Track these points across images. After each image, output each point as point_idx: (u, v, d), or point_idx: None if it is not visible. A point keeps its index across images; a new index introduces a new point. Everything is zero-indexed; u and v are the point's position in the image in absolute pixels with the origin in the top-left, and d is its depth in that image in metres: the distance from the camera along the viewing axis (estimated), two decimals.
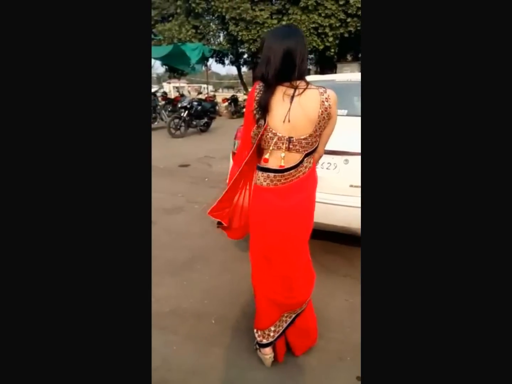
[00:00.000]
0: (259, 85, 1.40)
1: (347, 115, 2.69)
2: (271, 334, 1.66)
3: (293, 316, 1.68)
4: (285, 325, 1.68)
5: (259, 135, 1.42)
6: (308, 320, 1.74)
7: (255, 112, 1.40)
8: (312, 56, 16.48)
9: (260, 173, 1.49)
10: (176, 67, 14.18)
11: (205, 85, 19.91)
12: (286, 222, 1.49)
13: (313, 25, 12.67)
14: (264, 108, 1.36)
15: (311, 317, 1.76)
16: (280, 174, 1.44)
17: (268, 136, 1.41)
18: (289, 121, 1.36)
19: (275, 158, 1.44)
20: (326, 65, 15.56)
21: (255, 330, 1.72)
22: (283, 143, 1.40)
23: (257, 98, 1.39)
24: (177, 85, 21.93)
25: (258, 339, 1.69)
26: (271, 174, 1.45)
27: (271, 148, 1.42)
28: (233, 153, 2.93)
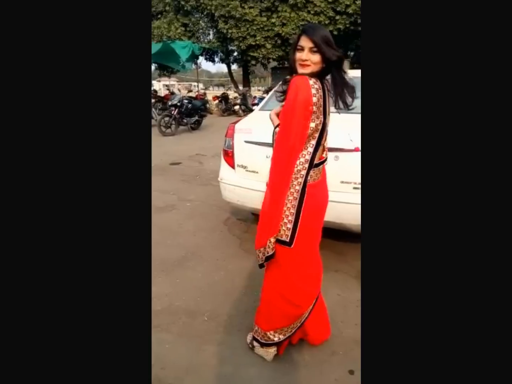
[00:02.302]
0: (311, 80, 1.37)
1: (337, 112, 2.71)
2: (289, 330, 1.67)
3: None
4: (303, 319, 1.68)
5: (320, 132, 1.43)
6: (320, 311, 1.77)
7: (315, 108, 1.38)
8: None
9: (312, 170, 1.48)
10: (166, 64, 14.09)
11: (195, 83, 19.83)
12: (324, 212, 1.62)
13: (302, 23, 12.67)
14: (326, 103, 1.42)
15: (322, 308, 1.80)
16: (323, 164, 1.54)
17: (326, 130, 1.47)
18: (329, 113, 1.48)
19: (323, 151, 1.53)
20: None
21: (269, 332, 1.68)
22: (326, 136, 1.51)
23: (317, 94, 1.37)
24: (167, 83, 21.80)
25: (273, 338, 1.66)
26: (321, 166, 1.52)
27: (327, 142, 1.51)
28: (225, 151, 2.92)
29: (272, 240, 1.49)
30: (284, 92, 1.51)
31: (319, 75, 1.41)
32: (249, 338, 1.81)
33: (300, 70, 1.41)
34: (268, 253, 1.50)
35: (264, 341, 1.70)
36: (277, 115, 1.58)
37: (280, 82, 1.62)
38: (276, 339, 1.67)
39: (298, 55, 1.40)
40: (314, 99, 1.37)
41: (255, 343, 1.75)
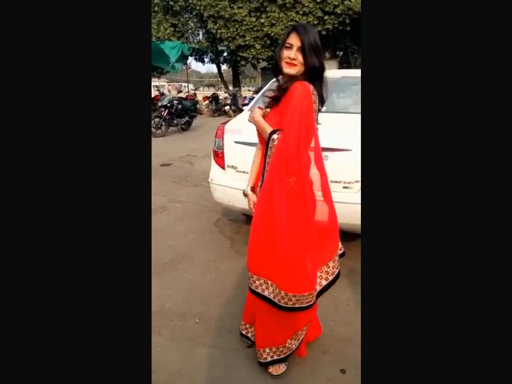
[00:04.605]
0: (311, 87, 1.34)
1: (326, 111, 2.72)
2: (303, 334, 1.63)
3: None
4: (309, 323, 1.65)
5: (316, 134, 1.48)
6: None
7: (316, 115, 1.42)
8: None
9: None
10: (156, 65, 14.00)
11: (185, 84, 19.76)
12: None
13: (291, 23, 12.71)
14: None
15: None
16: None
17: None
18: None
19: None
20: None
21: (287, 342, 1.59)
22: None
23: (316, 101, 1.37)
24: (157, 83, 21.67)
25: (292, 346, 1.61)
26: None
27: None
28: (215, 152, 2.91)
29: (337, 258, 1.60)
30: (275, 98, 1.42)
31: (310, 81, 1.36)
32: (276, 369, 1.63)
33: (286, 69, 1.34)
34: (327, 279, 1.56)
35: (284, 355, 1.61)
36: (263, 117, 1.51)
37: (272, 87, 1.55)
38: (294, 346, 1.62)
39: (286, 53, 1.32)
40: (314, 106, 1.35)
41: (286, 365, 1.65)
